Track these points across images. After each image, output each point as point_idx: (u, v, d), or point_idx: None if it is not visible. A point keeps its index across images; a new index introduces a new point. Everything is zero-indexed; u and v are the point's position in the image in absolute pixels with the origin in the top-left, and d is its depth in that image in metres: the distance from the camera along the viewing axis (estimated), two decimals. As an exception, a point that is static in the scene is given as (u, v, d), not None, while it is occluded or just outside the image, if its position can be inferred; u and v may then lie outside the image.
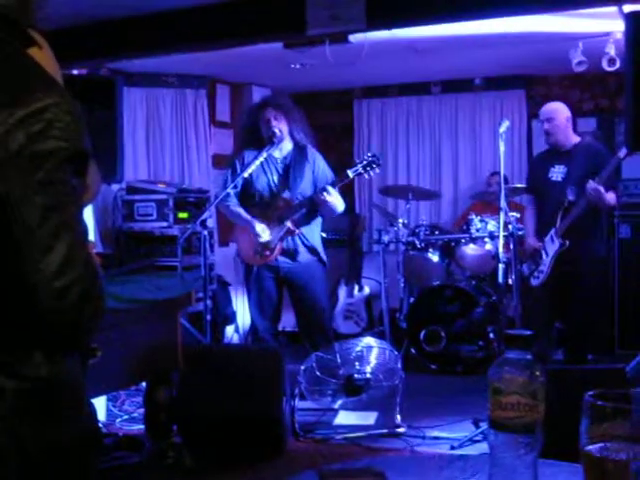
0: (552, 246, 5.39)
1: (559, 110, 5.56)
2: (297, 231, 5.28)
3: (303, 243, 5.34)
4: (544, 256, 5.46)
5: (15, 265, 1.24)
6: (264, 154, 5.20)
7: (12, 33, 1.34)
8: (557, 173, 5.55)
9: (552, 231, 5.39)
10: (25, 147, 1.22)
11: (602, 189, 5.12)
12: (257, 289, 5.41)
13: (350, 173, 5.21)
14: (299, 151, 5.37)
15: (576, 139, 5.57)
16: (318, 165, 5.38)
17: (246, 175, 5.23)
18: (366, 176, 5.34)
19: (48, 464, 1.32)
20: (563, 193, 5.37)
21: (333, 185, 5.22)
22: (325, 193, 5.14)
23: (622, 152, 5.03)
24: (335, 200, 5.20)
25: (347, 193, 8.25)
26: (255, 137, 5.37)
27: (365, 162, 5.24)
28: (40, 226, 1.23)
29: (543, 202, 5.65)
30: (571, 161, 5.45)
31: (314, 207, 5.29)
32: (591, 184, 5.12)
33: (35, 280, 1.24)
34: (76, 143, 1.28)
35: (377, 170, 5.30)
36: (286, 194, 5.31)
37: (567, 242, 5.29)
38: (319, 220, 5.47)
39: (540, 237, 5.56)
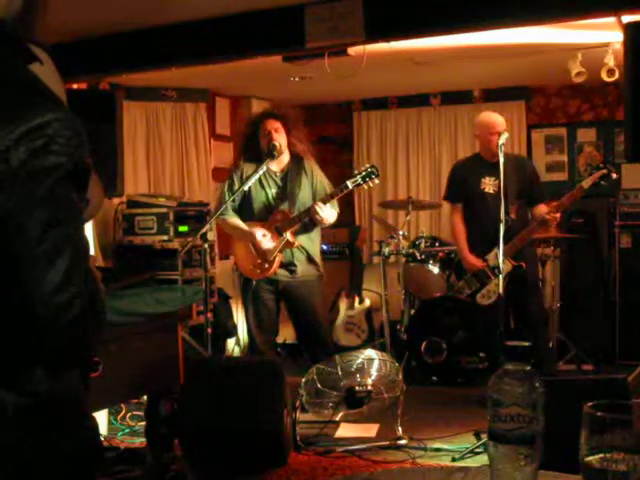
0: (503, 267, 5.26)
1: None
2: (297, 243, 5.27)
3: (302, 254, 5.33)
4: (491, 276, 5.45)
5: (16, 280, 1.24)
6: (264, 168, 5.19)
7: (13, 49, 1.34)
8: (489, 185, 5.56)
9: (497, 250, 5.19)
10: (26, 163, 1.21)
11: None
12: (255, 302, 5.39)
13: (349, 184, 5.20)
14: (296, 163, 5.36)
15: None
16: (316, 176, 5.38)
17: (245, 189, 5.23)
18: (365, 187, 5.32)
19: (49, 479, 1.32)
20: (498, 208, 5.19)
21: (331, 197, 5.23)
22: (317, 208, 5.14)
23: (585, 182, 5.23)
24: (325, 215, 5.20)
25: (347, 205, 8.27)
26: (253, 148, 5.36)
27: (364, 173, 5.22)
28: (41, 242, 1.23)
29: (477, 214, 5.68)
30: (499, 174, 5.13)
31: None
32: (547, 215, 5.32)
33: (36, 295, 1.24)
34: (77, 158, 1.28)
35: (376, 181, 5.29)
36: (284, 206, 5.30)
37: (523, 265, 5.44)
38: (318, 231, 5.47)
39: (477, 252, 5.61)
